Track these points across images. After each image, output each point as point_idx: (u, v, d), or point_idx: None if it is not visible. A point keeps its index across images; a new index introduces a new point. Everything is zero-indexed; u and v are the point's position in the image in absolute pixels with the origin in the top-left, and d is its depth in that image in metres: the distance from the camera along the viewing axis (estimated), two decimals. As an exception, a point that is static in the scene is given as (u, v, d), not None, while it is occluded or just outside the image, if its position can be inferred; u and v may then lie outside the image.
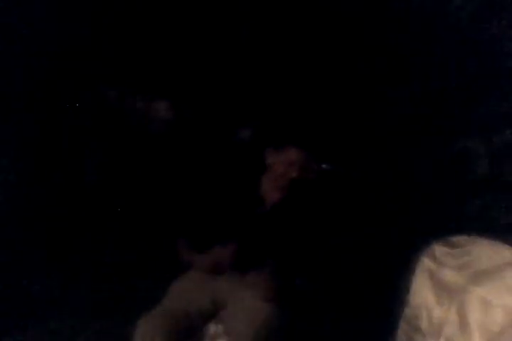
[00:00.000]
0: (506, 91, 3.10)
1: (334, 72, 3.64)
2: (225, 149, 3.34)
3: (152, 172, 3.50)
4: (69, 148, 3.33)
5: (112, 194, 3.33)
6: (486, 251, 1.80)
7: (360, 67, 3.59)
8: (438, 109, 3.29)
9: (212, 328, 2.35)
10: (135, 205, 3.37)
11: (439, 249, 1.85)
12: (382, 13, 3.53)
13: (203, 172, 3.35)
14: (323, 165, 2.93)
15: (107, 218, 3.23)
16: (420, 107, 3.37)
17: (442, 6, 3.40)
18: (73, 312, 2.77)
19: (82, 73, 3.44)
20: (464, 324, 1.65)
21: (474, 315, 1.64)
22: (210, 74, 3.73)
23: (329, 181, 3.05)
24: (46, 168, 3.23)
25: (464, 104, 3.21)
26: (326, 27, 3.64)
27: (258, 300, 2.30)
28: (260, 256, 2.52)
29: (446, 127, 3.21)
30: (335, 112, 3.58)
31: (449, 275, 1.76)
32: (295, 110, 3.51)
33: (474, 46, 3.23)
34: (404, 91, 3.47)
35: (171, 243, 2.68)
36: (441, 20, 3.39)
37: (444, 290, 1.74)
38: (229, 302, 2.34)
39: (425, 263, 1.83)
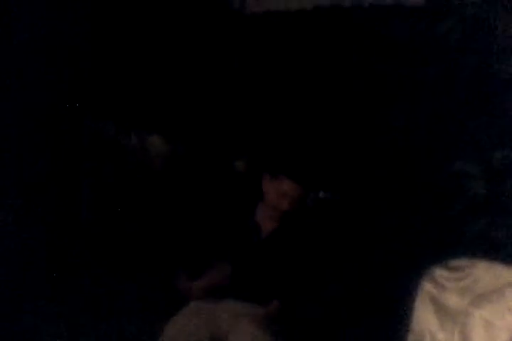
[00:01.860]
0: (498, 112, 3.12)
1: (327, 102, 3.66)
2: (221, 180, 3.36)
3: (149, 204, 3.51)
4: (64, 184, 3.34)
5: (108, 228, 3.33)
6: (486, 274, 1.80)
7: (352, 93, 3.61)
8: (431, 133, 3.31)
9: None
10: (133, 238, 3.37)
11: (440, 272, 1.85)
12: (372, 38, 3.57)
13: (199, 202, 3.37)
14: (320, 194, 2.95)
15: (103, 253, 3.23)
16: (413, 131, 3.39)
17: (431, 30, 3.44)
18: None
19: (77, 110, 3.46)
20: (468, 347, 1.65)
21: (478, 338, 1.64)
22: (203, 109, 3.76)
23: (327, 209, 3.06)
24: (43, 205, 3.23)
25: (457, 127, 3.23)
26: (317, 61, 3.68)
27: (258, 333, 2.30)
28: (257, 283, 2.53)
29: (440, 150, 3.23)
30: (330, 141, 3.60)
31: (451, 299, 1.76)
32: (290, 140, 3.53)
33: (464, 69, 3.26)
34: (397, 116, 3.50)
35: (168, 275, 2.69)
36: (431, 44, 3.43)
37: (446, 314, 1.74)
38: (229, 335, 2.34)
39: (427, 287, 1.83)
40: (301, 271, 2.57)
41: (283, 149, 3.24)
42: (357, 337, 2.56)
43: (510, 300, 1.67)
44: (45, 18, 3.33)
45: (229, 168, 3.47)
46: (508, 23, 3.25)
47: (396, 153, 3.39)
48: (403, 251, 2.94)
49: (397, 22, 3.52)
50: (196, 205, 3.36)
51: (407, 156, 3.31)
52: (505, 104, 3.08)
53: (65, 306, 2.89)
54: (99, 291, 2.99)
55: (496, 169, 3.12)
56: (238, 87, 3.74)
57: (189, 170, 3.61)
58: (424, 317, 1.76)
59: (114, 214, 3.38)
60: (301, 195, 2.65)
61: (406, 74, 3.44)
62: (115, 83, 3.58)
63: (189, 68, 3.70)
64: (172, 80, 3.65)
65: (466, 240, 2.88)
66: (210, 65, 3.71)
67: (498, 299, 1.69)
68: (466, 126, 3.21)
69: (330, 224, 2.92)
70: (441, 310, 1.75)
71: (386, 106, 3.49)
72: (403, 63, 3.47)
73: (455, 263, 1.86)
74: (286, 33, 3.79)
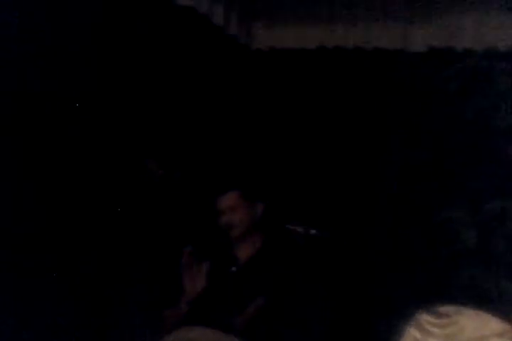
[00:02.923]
0: (491, 163, 3.13)
1: (327, 139, 3.68)
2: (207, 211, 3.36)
3: (137, 230, 3.50)
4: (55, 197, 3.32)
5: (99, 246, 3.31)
6: (472, 322, 1.80)
7: (350, 132, 3.63)
8: (424, 178, 3.31)
9: None
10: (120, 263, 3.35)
11: (425, 318, 1.84)
12: (374, 80, 3.59)
13: (183, 231, 3.37)
14: (312, 231, 2.95)
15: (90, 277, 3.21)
16: (407, 176, 3.40)
17: (431, 77, 3.47)
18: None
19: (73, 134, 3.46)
20: None
21: (460, 386, 1.63)
22: (200, 139, 3.78)
23: (313, 245, 3.06)
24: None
25: (451, 174, 3.24)
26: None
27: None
28: (232, 310, 2.52)
29: (433, 196, 3.23)
30: (323, 185, 3.61)
31: (435, 345, 1.75)
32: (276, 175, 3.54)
33: (461, 118, 3.28)
34: (392, 159, 3.52)
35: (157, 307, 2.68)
36: (431, 90, 3.45)
37: (430, 360, 1.73)
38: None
39: (412, 332, 1.82)
40: (275, 301, 2.57)
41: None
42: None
43: (495, 350, 1.67)
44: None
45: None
46: (504, 74, 3.29)
47: (388, 198, 3.40)
48: (390, 293, 2.93)
49: (399, 66, 3.56)
50: (180, 233, 3.36)
51: (400, 201, 3.31)
52: (500, 153, 3.10)
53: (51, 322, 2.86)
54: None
55: (487, 219, 3.13)
56: (236, 118, 3.76)
57: (179, 197, 3.61)
58: (408, 362, 1.75)
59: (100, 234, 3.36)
60: (240, 202, 2.69)
61: (402, 119, 3.46)
62: (114, 110, 3.59)
63: (189, 99, 3.72)
64: (172, 110, 3.67)
65: (454, 287, 2.88)
66: (212, 97, 3.73)
67: (484, 348, 1.68)
68: (460, 174, 3.22)
69: (315, 259, 2.92)
70: (425, 355, 1.74)
71: (382, 149, 3.51)
72: (400, 108, 3.50)
73: (441, 309, 1.86)
74: (290, 70, 3.83)
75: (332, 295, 2.79)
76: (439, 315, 1.79)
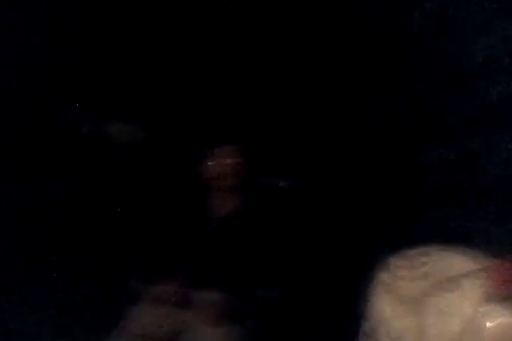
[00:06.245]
0: (466, 98, 3.13)
1: (304, 84, 3.65)
2: (180, 171, 3.35)
3: (104, 194, 3.48)
4: (32, 177, 3.29)
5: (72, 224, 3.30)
6: (441, 263, 1.82)
7: (326, 80, 3.61)
8: (401, 121, 3.31)
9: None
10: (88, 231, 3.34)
11: (394, 261, 1.86)
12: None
13: (155, 194, 3.36)
14: (280, 183, 2.94)
15: (66, 247, 3.20)
16: (385, 119, 3.40)
17: (399, 19, 3.44)
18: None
19: (48, 97, 3.42)
20: (422, 335, 1.66)
21: (432, 326, 1.65)
22: (170, 98, 3.74)
23: (284, 196, 3.06)
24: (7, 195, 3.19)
25: (427, 115, 3.24)
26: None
27: (209, 327, 2.29)
28: (212, 275, 2.53)
29: (409, 139, 3.23)
30: (305, 126, 3.59)
31: (405, 288, 1.77)
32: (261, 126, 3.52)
33: (437, 54, 3.26)
34: (369, 103, 3.51)
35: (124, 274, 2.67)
36: (401, 30, 3.43)
37: (401, 303, 1.75)
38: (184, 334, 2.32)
39: (381, 276, 1.84)
40: (257, 257, 2.59)
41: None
42: (311, 323, 2.57)
43: (465, 290, 1.69)
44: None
45: (190, 158, 3.46)
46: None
47: (364, 138, 3.40)
48: (359, 239, 2.95)
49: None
50: (152, 196, 3.35)
51: (380, 143, 3.31)
52: (479, 91, 3.10)
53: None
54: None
55: (458, 159, 3.14)
56: (207, 75, 3.72)
57: (148, 158, 3.59)
58: (378, 306, 1.77)
59: (73, 203, 3.35)
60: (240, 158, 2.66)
61: (377, 60, 3.44)
62: (78, 68, 3.54)
63: (159, 55, 3.68)
64: (141, 67, 3.62)
65: (422, 230, 2.90)
66: (184, 53, 3.68)
67: (454, 289, 1.70)
68: (438, 113, 3.22)
69: (287, 209, 2.92)
70: (396, 298, 1.76)
71: (358, 92, 3.49)
72: (375, 49, 3.47)
73: (409, 252, 1.87)
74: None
75: (312, 244, 2.80)
76: (408, 258, 1.81)
